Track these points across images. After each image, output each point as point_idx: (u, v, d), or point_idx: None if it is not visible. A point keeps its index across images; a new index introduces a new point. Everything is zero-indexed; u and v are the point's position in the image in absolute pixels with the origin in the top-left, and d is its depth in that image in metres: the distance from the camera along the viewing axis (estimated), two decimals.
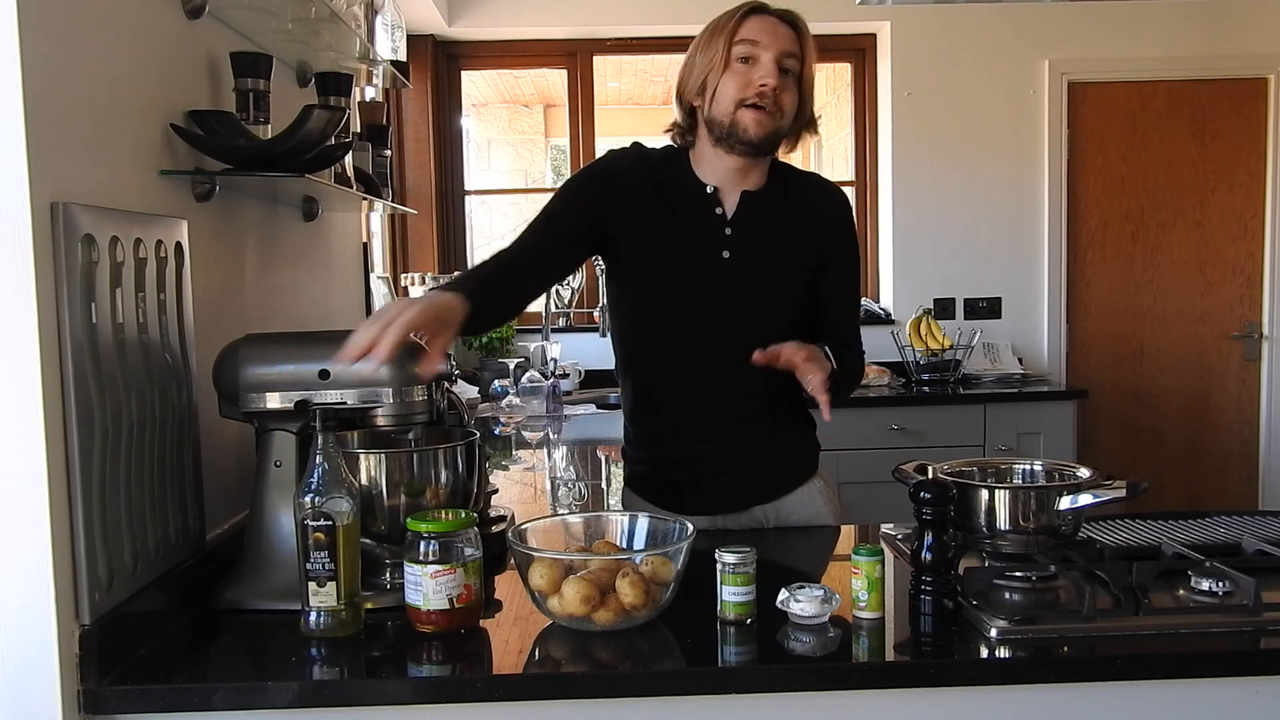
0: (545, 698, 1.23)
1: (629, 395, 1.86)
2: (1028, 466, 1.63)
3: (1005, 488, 1.51)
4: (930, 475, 1.54)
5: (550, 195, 1.77)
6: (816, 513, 1.87)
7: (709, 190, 1.75)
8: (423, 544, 1.32)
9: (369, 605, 1.39)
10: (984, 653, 1.26)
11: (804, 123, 1.75)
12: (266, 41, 1.84)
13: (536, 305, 4.38)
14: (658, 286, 1.75)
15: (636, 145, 1.82)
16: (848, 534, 1.87)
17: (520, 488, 2.43)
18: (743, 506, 1.84)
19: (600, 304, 4.13)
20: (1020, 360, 4.29)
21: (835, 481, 1.94)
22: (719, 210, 1.75)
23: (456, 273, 3.47)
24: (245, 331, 1.56)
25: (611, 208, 1.73)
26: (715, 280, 1.73)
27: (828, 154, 5.43)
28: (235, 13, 1.70)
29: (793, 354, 1.58)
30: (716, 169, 1.75)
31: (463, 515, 1.37)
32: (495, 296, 1.60)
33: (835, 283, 1.81)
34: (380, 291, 3.46)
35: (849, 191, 4.63)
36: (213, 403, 1.52)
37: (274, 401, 1.46)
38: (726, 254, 1.74)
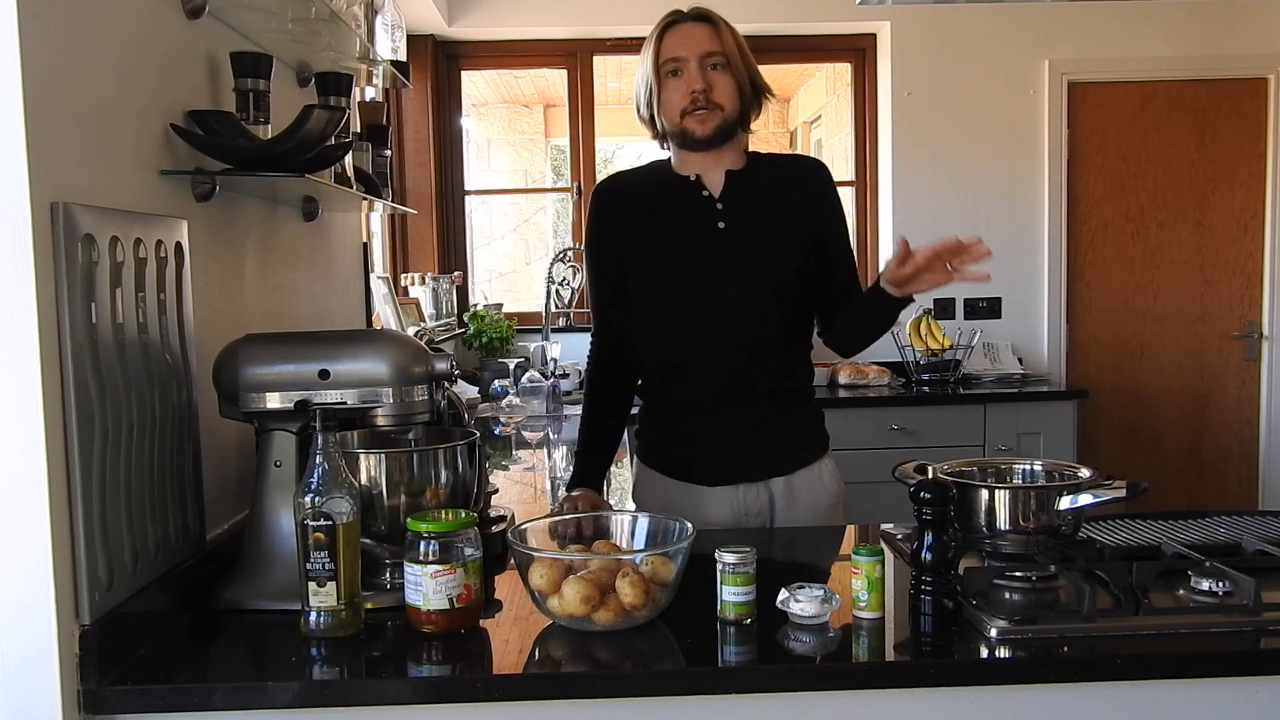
0: (545, 698, 1.23)
1: (650, 375, 1.97)
2: (1028, 466, 1.63)
3: (1005, 488, 1.51)
4: (930, 475, 1.54)
5: (582, 260, 2.03)
6: (825, 491, 1.95)
7: (692, 178, 1.91)
8: (423, 544, 1.32)
9: (369, 605, 1.39)
10: (984, 653, 1.26)
11: (751, 95, 1.88)
12: (266, 41, 1.84)
13: (537, 305, 4.38)
14: (666, 271, 1.88)
15: (612, 174, 2.04)
16: (848, 534, 1.87)
17: (520, 488, 2.43)
18: (759, 476, 1.90)
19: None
20: (1020, 360, 4.28)
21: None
22: (705, 193, 1.90)
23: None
24: (245, 331, 1.56)
25: (620, 228, 1.92)
26: (713, 250, 1.87)
27: (828, 154, 5.43)
28: (235, 13, 1.70)
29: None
30: (694, 163, 1.91)
31: (463, 515, 1.37)
32: (611, 436, 1.96)
33: (835, 246, 1.95)
34: (380, 292, 3.46)
35: (849, 191, 4.65)
36: (213, 403, 1.52)
37: (274, 401, 1.46)
38: (721, 225, 1.87)
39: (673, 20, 1.85)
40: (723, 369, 1.88)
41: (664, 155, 1.99)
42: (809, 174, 1.98)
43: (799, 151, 6.20)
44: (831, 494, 1.96)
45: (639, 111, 1.91)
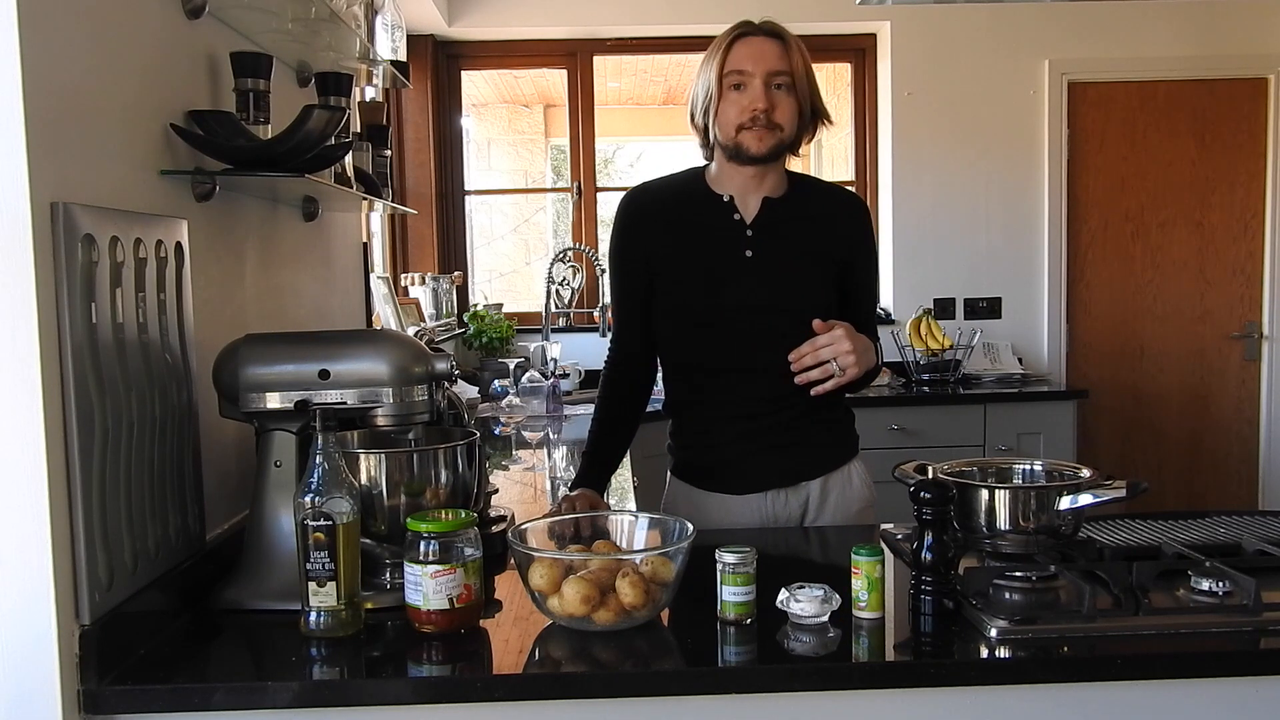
0: (545, 698, 1.23)
1: (678, 390, 1.95)
2: (1028, 466, 1.63)
3: (1005, 488, 1.51)
4: (930, 475, 1.54)
5: (607, 268, 1.98)
6: (854, 496, 1.95)
7: (725, 199, 1.87)
8: (423, 544, 1.32)
9: (369, 605, 1.39)
10: (984, 653, 1.26)
11: (810, 118, 1.85)
12: (266, 41, 1.84)
13: (537, 305, 4.38)
14: (691, 291, 1.86)
15: (644, 183, 1.98)
16: (848, 534, 1.87)
17: (520, 488, 2.43)
18: (790, 482, 1.90)
19: (600, 304, 4.14)
20: (1020, 360, 4.29)
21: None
22: (737, 216, 1.87)
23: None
24: (245, 331, 1.56)
25: (647, 240, 1.89)
26: (741, 278, 1.84)
27: (828, 154, 5.43)
28: (235, 13, 1.70)
29: (829, 333, 1.69)
30: (734, 180, 1.87)
31: (463, 515, 1.37)
32: (621, 440, 1.94)
33: (854, 283, 1.92)
34: (380, 292, 3.46)
35: None
36: (213, 403, 1.52)
37: (274, 401, 1.46)
38: (749, 253, 1.85)
39: (743, 32, 1.80)
40: (747, 385, 1.86)
41: (685, 165, 1.96)
42: (848, 210, 1.95)
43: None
44: (861, 498, 1.95)
45: (692, 119, 1.87)
